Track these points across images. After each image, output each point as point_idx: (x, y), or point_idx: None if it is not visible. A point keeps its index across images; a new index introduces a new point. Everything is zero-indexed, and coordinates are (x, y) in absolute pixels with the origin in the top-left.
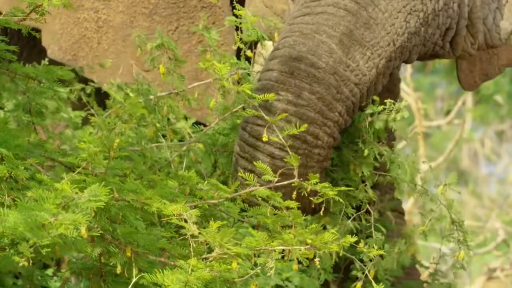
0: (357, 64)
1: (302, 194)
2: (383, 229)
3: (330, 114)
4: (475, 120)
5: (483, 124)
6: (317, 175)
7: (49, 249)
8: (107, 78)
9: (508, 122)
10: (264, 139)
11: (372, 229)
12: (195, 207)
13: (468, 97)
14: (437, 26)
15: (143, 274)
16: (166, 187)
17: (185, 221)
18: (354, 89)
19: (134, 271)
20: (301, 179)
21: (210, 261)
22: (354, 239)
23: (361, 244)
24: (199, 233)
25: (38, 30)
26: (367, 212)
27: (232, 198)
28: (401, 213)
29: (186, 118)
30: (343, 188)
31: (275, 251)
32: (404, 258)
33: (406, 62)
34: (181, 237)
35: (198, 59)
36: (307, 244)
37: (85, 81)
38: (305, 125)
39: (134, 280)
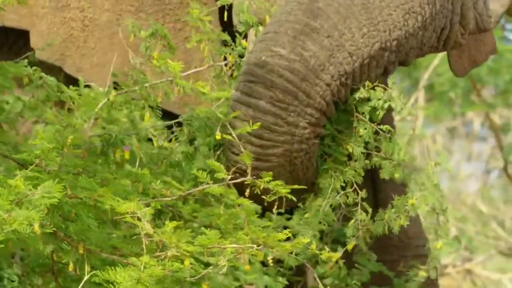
0: (352, 35)
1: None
2: (369, 209)
3: (323, 75)
4: (427, 117)
5: (435, 121)
6: (271, 172)
7: (2, 245)
8: (93, 76)
9: (460, 119)
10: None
11: (359, 207)
12: (148, 205)
13: (420, 94)
14: (434, 30)
15: (95, 271)
16: (119, 185)
17: (139, 219)
18: (348, 58)
19: (86, 269)
20: (293, 138)
21: (163, 259)
22: (307, 240)
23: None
24: (154, 232)
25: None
26: (355, 191)
27: (185, 196)
28: None
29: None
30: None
31: (227, 250)
32: (394, 225)
33: (403, 64)
34: (135, 235)
35: (184, 55)
36: (259, 244)
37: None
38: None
39: (86, 277)
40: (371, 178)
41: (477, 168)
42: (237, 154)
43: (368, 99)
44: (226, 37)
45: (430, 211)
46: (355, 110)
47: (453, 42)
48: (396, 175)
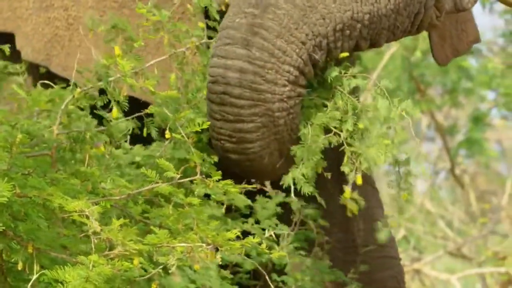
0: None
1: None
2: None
3: (297, 33)
4: None
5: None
6: (220, 172)
7: None
8: (79, 74)
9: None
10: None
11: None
12: (97, 204)
13: (368, 94)
14: (408, 15)
15: (44, 271)
16: (68, 184)
17: (87, 217)
18: (321, 20)
19: (36, 268)
20: (274, 96)
21: (112, 258)
22: (257, 239)
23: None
24: (101, 230)
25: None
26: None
27: (134, 195)
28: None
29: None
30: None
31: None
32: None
33: (374, 45)
34: (83, 234)
35: (169, 49)
36: (209, 243)
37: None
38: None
39: (35, 276)
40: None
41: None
42: (218, 120)
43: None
44: (183, 26)
45: (393, 162)
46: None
47: (427, 25)
48: (360, 126)
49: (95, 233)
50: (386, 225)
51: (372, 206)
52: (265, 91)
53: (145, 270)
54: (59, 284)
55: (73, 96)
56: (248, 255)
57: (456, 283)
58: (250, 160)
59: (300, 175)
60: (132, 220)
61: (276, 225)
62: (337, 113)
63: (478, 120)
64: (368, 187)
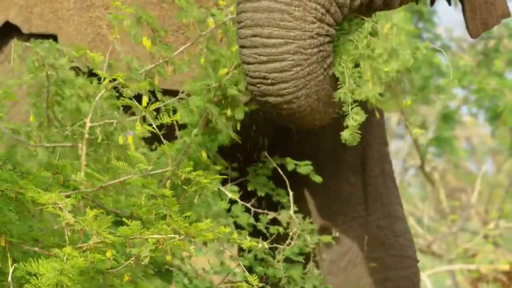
0: None
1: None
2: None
3: None
4: None
5: None
6: (191, 163)
7: None
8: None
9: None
10: None
11: None
12: (68, 196)
13: None
14: None
15: (17, 264)
16: (40, 177)
17: (60, 209)
18: None
19: (10, 261)
20: (304, 33)
21: (85, 251)
22: (228, 230)
23: None
24: (75, 221)
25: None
26: None
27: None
28: None
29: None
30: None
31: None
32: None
33: (388, 5)
34: (56, 226)
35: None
36: (181, 234)
37: None
38: None
39: (11, 269)
40: (362, 171)
41: (395, 165)
42: (252, 63)
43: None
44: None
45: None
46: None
47: None
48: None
49: (68, 225)
50: (405, 222)
51: (393, 202)
52: (294, 28)
53: (117, 262)
54: (33, 277)
55: (105, 89)
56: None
57: (426, 280)
58: (286, 102)
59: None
60: (104, 211)
61: (273, 190)
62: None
63: (447, 117)
64: (390, 183)
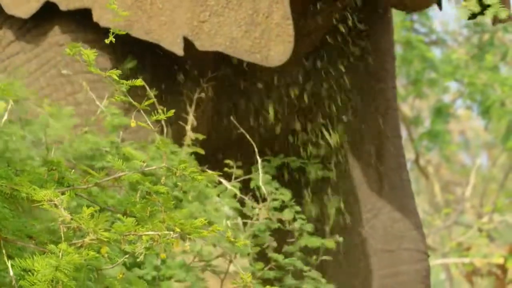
0: None
1: None
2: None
3: None
4: None
5: None
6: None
7: None
8: (164, 34)
9: None
10: None
11: None
12: (63, 193)
13: None
14: None
15: (12, 261)
16: (34, 173)
17: (56, 206)
18: None
19: (5, 258)
20: None
21: (79, 247)
22: (221, 228)
23: None
24: (72, 219)
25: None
26: None
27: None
28: None
29: None
30: None
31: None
32: None
33: None
34: (53, 223)
35: (251, 4)
36: (176, 231)
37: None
38: None
39: (9, 265)
40: (378, 163)
41: None
42: None
43: None
44: None
45: None
46: None
47: None
48: None
49: (63, 222)
50: (418, 216)
51: (407, 196)
52: None
53: (111, 259)
54: (28, 273)
55: None
56: None
57: None
58: None
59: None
60: (98, 208)
61: (277, 189)
62: None
63: (441, 111)
64: (404, 176)
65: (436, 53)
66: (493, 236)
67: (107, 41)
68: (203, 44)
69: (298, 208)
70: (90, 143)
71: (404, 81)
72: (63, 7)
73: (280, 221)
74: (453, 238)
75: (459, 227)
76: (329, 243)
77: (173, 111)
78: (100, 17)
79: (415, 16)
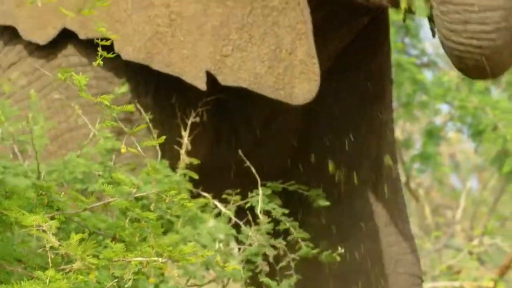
0: None
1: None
2: None
3: None
4: None
5: None
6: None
7: None
8: (186, 68)
9: None
10: None
11: None
12: (53, 218)
13: None
14: None
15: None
16: (24, 198)
17: (44, 232)
18: None
19: None
20: None
21: (67, 273)
22: (211, 252)
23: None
24: (60, 245)
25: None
26: None
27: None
28: None
29: None
30: None
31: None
32: None
33: None
34: (41, 249)
35: (274, 40)
36: (165, 257)
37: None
38: None
39: None
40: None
41: None
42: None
43: None
44: None
45: None
46: None
47: None
48: None
49: (52, 247)
50: (413, 241)
51: (403, 220)
52: None
53: (100, 284)
54: None
55: None
56: None
57: None
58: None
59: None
60: (88, 233)
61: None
62: None
63: (432, 133)
64: (400, 201)
65: (427, 75)
66: (483, 259)
67: (95, 63)
68: (226, 79)
69: (295, 223)
70: (83, 167)
71: (395, 104)
72: (82, 36)
73: (273, 246)
74: (443, 261)
75: (449, 250)
76: (327, 256)
77: (163, 137)
78: (121, 49)
79: (406, 39)
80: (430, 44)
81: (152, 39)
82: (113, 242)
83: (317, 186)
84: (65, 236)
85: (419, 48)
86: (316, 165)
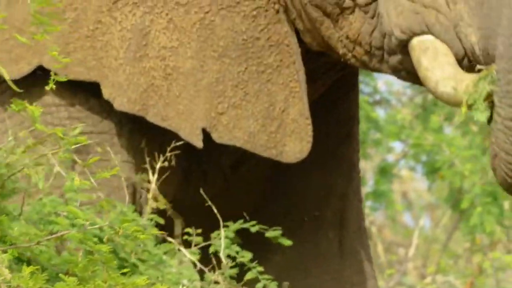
0: None
1: None
2: None
3: None
4: None
5: None
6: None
7: None
8: (182, 124)
9: None
10: None
11: None
12: (5, 252)
13: None
14: None
15: None
16: None
17: None
18: None
19: None
20: None
21: None
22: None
23: None
24: (12, 278)
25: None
26: None
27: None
28: None
29: None
30: None
31: None
32: None
33: None
34: None
35: (268, 97)
36: None
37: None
38: None
39: None
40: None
41: None
42: None
43: None
44: None
45: None
46: None
47: None
48: None
49: (5, 281)
50: (376, 280)
51: (367, 259)
52: None
53: None
54: None
55: None
56: None
57: None
58: None
59: None
60: (40, 267)
61: (237, 252)
62: None
63: (385, 171)
64: (365, 240)
65: (380, 113)
66: None
67: (47, 87)
68: (221, 137)
69: (260, 268)
70: (48, 207)
71: None
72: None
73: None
74: None
75: None
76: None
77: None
78: (114, 99)
79: (360, 77)
80: (383, 82)
81: (148, 90)
82: (66, 276)
83: (283, 224)
84: (18, 269)
85: (372, 85)
86: (284, 205)
